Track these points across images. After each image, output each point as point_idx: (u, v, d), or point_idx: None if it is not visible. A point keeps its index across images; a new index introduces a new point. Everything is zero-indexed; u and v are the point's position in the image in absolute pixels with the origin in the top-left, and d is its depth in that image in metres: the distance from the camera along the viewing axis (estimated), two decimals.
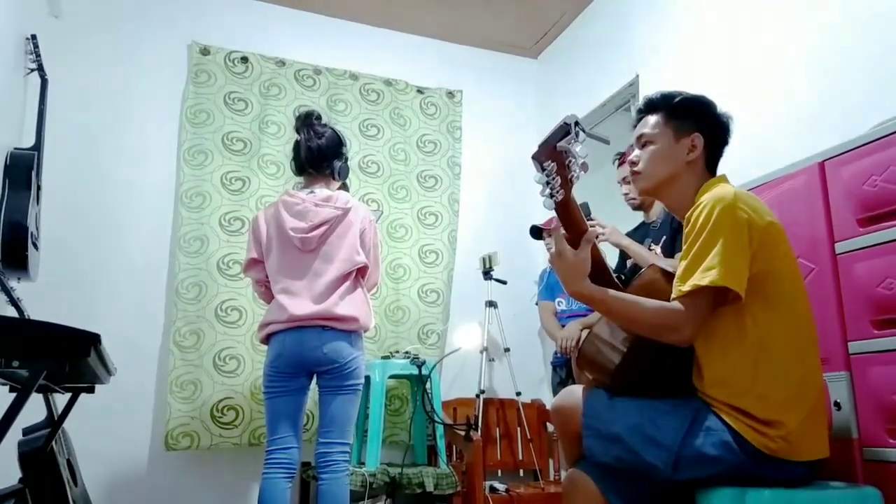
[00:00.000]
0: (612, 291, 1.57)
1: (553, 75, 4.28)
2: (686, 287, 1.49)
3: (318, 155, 2.58)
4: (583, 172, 1.43)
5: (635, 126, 1.80)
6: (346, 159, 2.68)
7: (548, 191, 1.46)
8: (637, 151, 1.77)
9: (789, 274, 1.58)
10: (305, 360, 2.40)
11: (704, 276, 1.47)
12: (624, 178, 2.82)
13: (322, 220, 2.47)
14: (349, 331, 2.43)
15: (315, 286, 2.42)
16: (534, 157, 1.46)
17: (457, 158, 4.02)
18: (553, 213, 1.55)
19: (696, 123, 1.71)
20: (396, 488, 2.91)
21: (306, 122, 2.63)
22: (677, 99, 1.74)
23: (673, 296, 1.53)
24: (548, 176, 1.44)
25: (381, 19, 4.01)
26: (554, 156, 1.42)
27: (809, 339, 1.58)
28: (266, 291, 2.57)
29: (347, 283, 2.47)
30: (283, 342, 2.41)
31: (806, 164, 1.94)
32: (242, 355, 3.25)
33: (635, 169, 1.76)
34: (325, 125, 2.65)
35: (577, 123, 1.40)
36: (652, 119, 1.75)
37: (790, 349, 1.52)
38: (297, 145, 2.62)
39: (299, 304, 2.39)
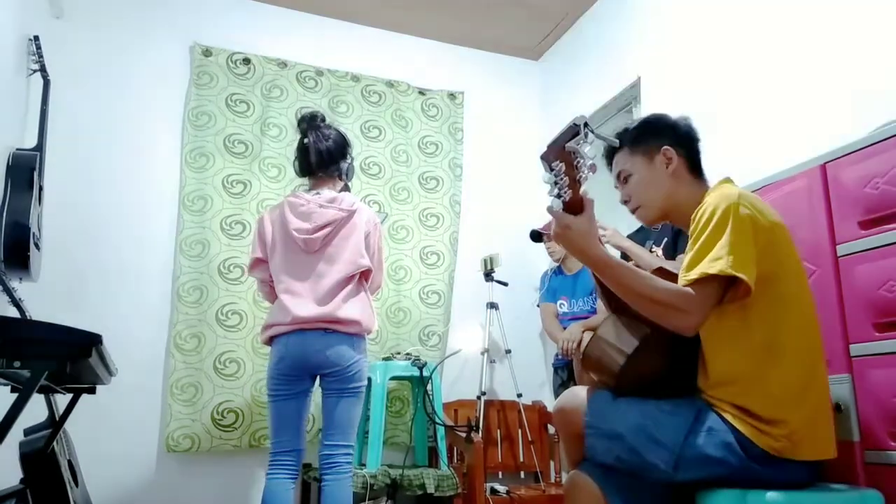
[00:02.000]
0: (624, 262, 1.56)
1: (555, 77, 4.28)
2: (693, 274, 1.48)
3: (328, 157, 2.57)
4: (591, 173, 1.43)
5: (610, 166, 1.85)
6: (352, 160, 2.68)
7: (556, 191, 1.46)
8: (620, 194, 1.81)
9: (795, 274, 1.58)
10: (308, 363, 2.40)
11: (713, 265, 1.46)
12: None
13: (326, 221, 2.47)
14: (352, 334, 2.43)
15: (318, 288, 2.42)
16: (542, 158, 1.46)
17: (458, 160, 4.02)
18: (551, 218, 1.55)
19: (659, 138, 1.74)
20: (397, 490, 2.91)
21: (313, 123, 2.62)
22: (631, 129, 1.80)
23: (679, 284, 1.52)
24: (556, 176, 1.44)
25: (382, 21, 4.02)
26: (562, 156, 1.42)
27: (815, 338, 1.58)
28: (270, 291, 2.57)
29: (351, 286, 2.47)
30: (287, 345, 2.41)
31: (808, 167, 1.93)
32: (242, 359, 3.25)
33: (630, 206, 1.79)
34: (330, 126, 2.64)
35: (586, 124, 1.41)
36: (621, 157, 1.79)
37: (797, 349, 1.52)
38: (303, 147, 2.59)
39: (302, 305, 2.39)
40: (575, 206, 1.48)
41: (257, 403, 3.20)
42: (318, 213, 2.48)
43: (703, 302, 1.48)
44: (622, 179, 1.79)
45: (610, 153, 1.83)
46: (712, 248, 1.48)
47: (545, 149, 1.45)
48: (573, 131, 1.41)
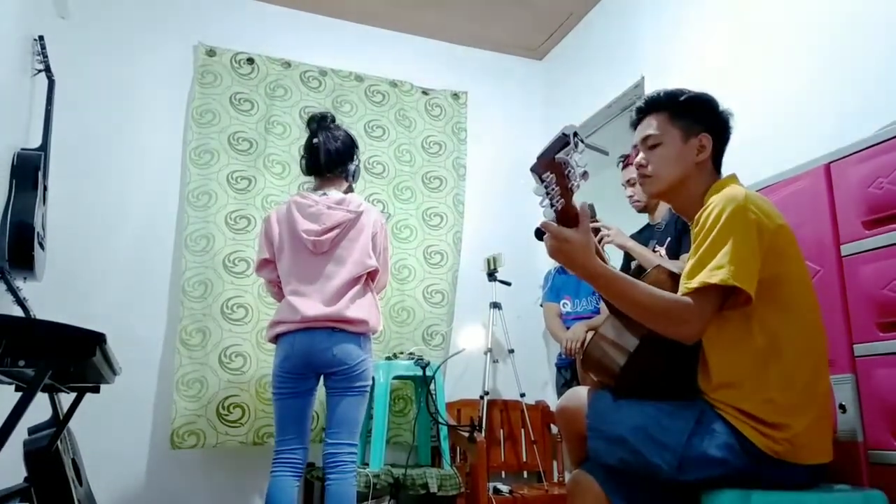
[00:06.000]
0: (622, 274, 1.53)
1: (558, 77, 4.28)
2: (694, 283, 1.47)
3: (337, 157, 2.59)
4: (583, 181, 1.42)
5: (635, 125, 1.77)
6: (359, 161, 2.70)
7: (547, 201, 1.44)
8: (641, 155, 1.73)
9: (799, 278, 1.57)
10: (314, 362, 2.40)
11: (714, 275, 1.44)
12: (629, 181, 2.81)
13: (335, 223, 2.47)
14: (358, 333, 2.44)
15: (326, 289, 2.43)
16: (532, 170, 1.44)
17: (462, 160, 4.02)
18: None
19: (703, 123, 1.68)
20: (400, 489, 2.91)
21: (323, 124, 2.63)
22: (682, 97, 1.71)
23: (679, 292, 1.51)
24: (546, 187, 1.42)
25: (386, 21, 4.02)
26: (552, 167, 1.40)
27: (818, 343, 1.56)
28: (279, 291, 2.58)
29: (358, 287, 2.48)
30: (293, 343, 2.42)
31: (812, 167, 1.93)
32: (248, 353, 3.25)
33: (645, 172, 1.71)
34: (339, 127, 2.66)
35: (575, 134, 1.39)
36: (657, 119, 1.71)
37: (799, 353, 1.51)
38: (313, 147, 2.60)
39: (310, 305, 2.40)
40: (568, 215, 1.45)
41: (262, 399, 3.19)
42: (327, 215, 2.49)
43: (703, 312, 1.47)
44: (647, 144, 1.71)
45: (643, 111, 1.74)
46: (715, 255, 1.46)
47: (535, 161, 1.43)
48: (563, 142, 1.39)
